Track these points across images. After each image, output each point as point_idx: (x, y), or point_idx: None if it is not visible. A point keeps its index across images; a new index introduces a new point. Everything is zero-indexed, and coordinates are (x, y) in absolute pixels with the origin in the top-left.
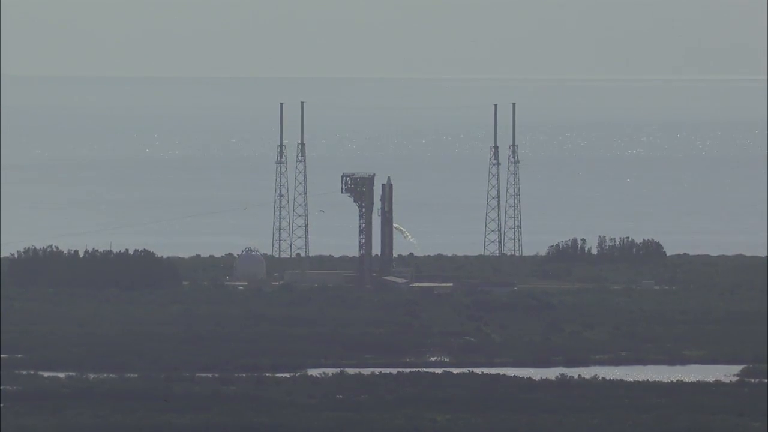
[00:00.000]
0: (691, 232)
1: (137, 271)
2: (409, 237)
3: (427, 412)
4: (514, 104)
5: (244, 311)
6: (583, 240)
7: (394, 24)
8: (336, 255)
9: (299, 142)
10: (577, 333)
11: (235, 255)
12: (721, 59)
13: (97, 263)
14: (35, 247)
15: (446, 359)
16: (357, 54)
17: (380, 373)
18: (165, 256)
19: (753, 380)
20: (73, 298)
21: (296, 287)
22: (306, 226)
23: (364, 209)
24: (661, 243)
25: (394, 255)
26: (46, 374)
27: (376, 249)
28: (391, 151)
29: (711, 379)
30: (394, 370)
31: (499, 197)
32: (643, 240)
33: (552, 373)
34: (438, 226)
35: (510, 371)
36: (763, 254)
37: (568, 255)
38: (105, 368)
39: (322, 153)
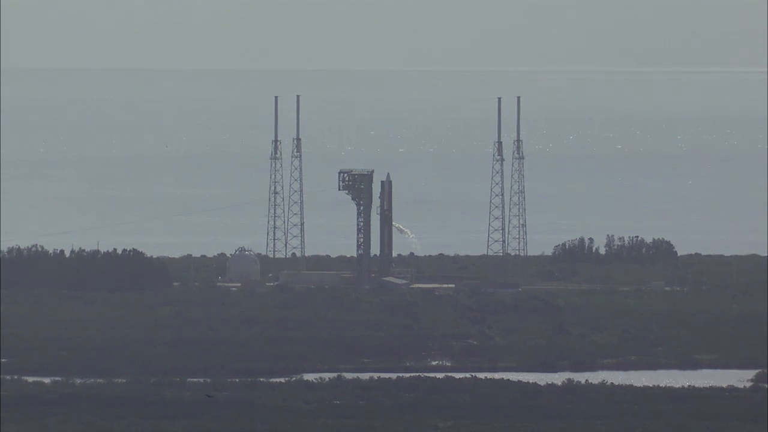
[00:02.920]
0: (703, 231)
1: (126, 272)
2: (410, 236)
3: (428, 419)
4: (518, 98)
5: (237, 313)
6: (591, 239)
7: (393, 14)
8: (333, 255)
9: (295, 137)
10: (585, 336)
11: (228, 255)
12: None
13: (83, 263)
14: (19, 247)
15: (448, 363)
16: (355, 45)
17: (379, 377)
18: (154, 256)
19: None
20: (58, 299)
21: (292, 288)
22: (302, 224)
23: (362, 207)
24: (671, 242)
25: (394, 255)
26: (30, 379)
27: (375, 249)
28: (390, 146)
29: (724, 384)
30: (393, 375)
31: (502, 195)
32: (653, 239)
33: (558, 377)
34: (439, 225)
35: (514, 376)
36: None
37: (574, 255)
38: (92, 373)
39: (318, 149)
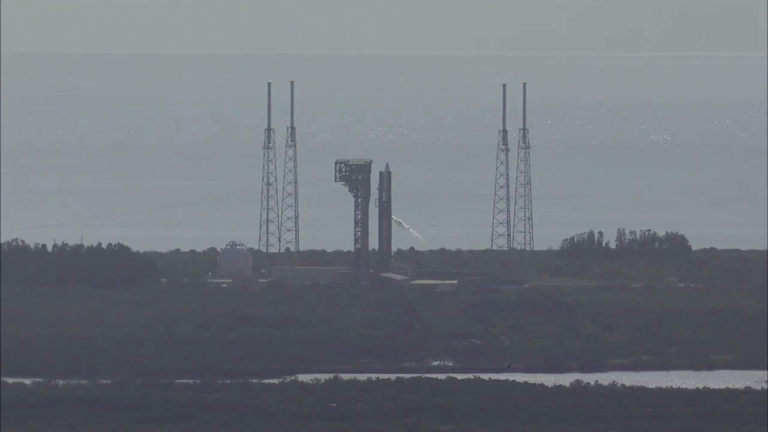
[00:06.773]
0: (718, 225)
1: (111, 268)
2: (411, 230)
3: (429, 422)
4: (524, 84)
5: (228, 311)
6: (601, 233)
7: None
8: (329, 249)
9: (289, 125)
10: (594, 335)
11: (219, 249)
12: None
13: (66, 258)
14: None
15: (450, 364)
16: (351, 30)
17: (378, 378)
18: (141, 251)
19: None
20: (40, 296)
21: (286, 285)
22: (296, 217)
23: (359, 199)
24: (685, 236)
25: (393, 249)
26: (10, 380)
27: (374, 243)
28: (389, 135)
29: (740, 386)
30: (393, 376)
31: (508, 186)
32: (666, 233)
33: (566, 379)
34: (441, 218)
35: (520, 377)
36: None
37: (583, 249)
38: (75, 374)
39: (314, 137)
